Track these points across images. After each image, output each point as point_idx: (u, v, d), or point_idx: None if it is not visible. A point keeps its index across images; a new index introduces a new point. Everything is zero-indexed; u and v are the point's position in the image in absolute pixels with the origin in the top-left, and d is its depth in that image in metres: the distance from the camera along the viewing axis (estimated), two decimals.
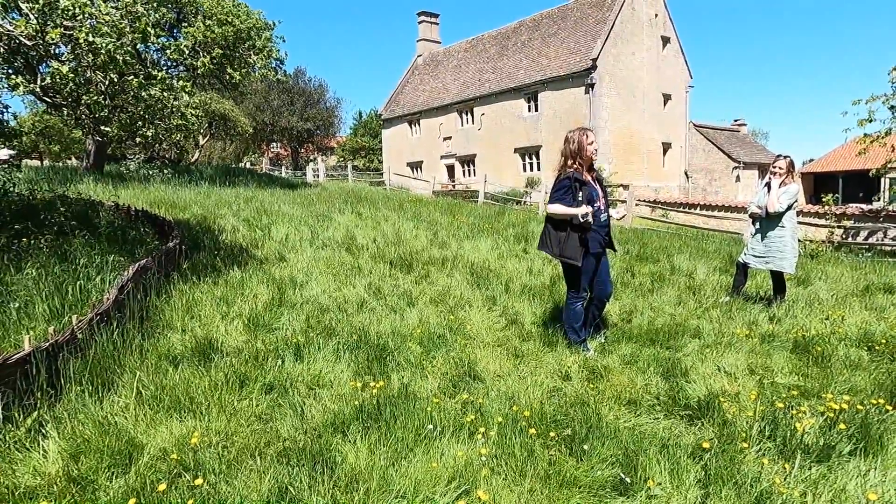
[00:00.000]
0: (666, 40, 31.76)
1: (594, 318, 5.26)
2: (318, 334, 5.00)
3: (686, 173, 33.75)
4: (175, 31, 18.13)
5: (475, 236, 10.69)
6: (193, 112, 6.51)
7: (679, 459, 3.08)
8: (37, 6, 4.88)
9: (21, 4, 5.02)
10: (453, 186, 32.76)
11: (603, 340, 5.22)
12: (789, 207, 6.37)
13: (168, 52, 15.43)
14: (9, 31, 5.12)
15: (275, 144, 53.74)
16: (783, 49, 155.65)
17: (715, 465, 3.01)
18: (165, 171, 17.90)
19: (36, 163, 34.58)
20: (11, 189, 8.20)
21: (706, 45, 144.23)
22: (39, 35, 4.91)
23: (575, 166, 4.78)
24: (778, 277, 6.61)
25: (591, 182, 4.87)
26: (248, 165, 42.09)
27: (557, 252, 4.78)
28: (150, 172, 18.28)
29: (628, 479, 2.93)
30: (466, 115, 35.73)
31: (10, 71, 5.20)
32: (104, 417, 3.36)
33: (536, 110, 31.29)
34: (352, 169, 32.32)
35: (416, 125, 39.79)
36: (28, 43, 5.08)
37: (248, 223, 10.99)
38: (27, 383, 3.38)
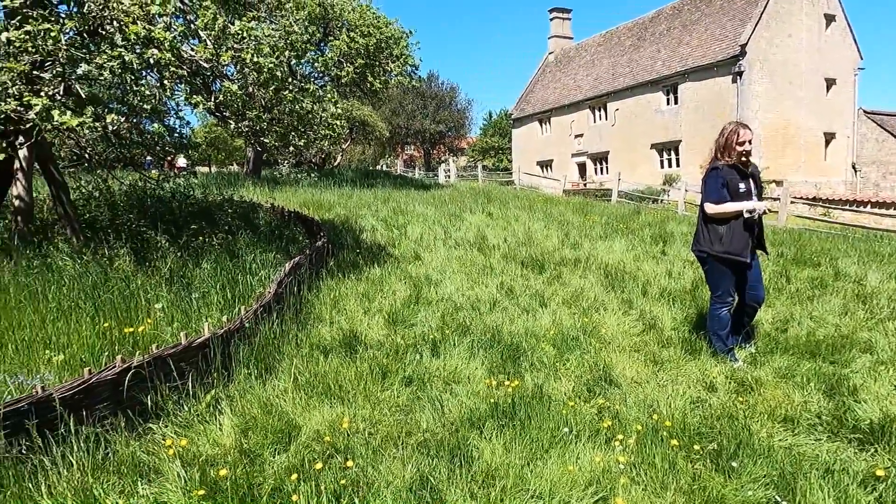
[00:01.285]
0: (830, 18, 28.44)
1: (744, 325, 4.90)
2: (453, 332, 5.15)
3: (854, 167, 30.00)
4: (322, 44, 19.60)
5: (609, 236, 10.37)
6: (339, 122, 7.00)
7: (847, 487, 2.79)
8: (213, 33, 5.55)
9: (200, 32, 5.74)
10: (584, 185, 31.95)
11: (753, 350, 4.84)
12: None
13: (316, 64, 16.74)
14: (191, 55, 5.86)
15: (408, 147, 55.98)
16: None
17: (893, 498, 2.68)
18: (312, 175, 19.40)
19: (205, 169, 39.08)
20: (190, 193, 9.38)
21: (882, 21, 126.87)
22: (215, 58, 5.58)
23: (724, 160, 4.52)
24: None
25: (741, 177, 4.57)
26: (384, 168, 44.28)
27: (720, 250, 4.52)
28: (300, 176, 19.92)
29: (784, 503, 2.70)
30: (599, 111, 34.67)
31: (190, 90, 5.94)
32: (267, 399, 3.74)
33: (676, 103, 29.54)
34: (482, 169, 32.76)
35: (547, 123, 39.32)
36: (205, 65, 5.80)
37: (385, 223, 11.59)
38: (206, 365, 3.87)
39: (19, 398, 2.85)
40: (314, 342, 4.79)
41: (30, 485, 2.67)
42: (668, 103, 30.12)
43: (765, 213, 4.64)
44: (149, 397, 3.39)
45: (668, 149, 30.22)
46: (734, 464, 3.00)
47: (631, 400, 3.86)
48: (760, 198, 4.66)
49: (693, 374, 4.36)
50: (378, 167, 44.46)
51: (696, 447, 3.15)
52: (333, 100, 6.78)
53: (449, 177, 32.44)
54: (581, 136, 35.95)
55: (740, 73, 26.09)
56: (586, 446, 3.19)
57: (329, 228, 9.92)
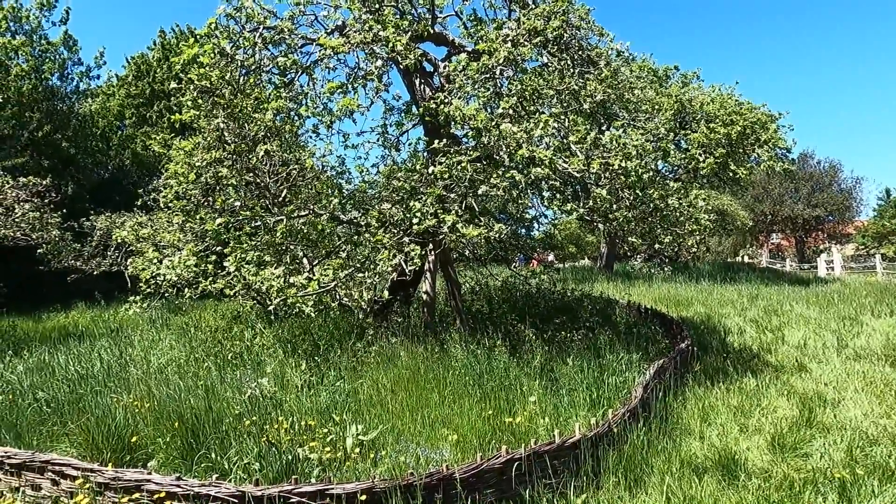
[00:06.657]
0: None
1: None
2: (868, 473, 4.09)
3: None
4: (676, 136, 19.34)
5: None
6: (707, 217, 6.67)
7: None
8: (585, 145, 6.04)
9: (573, 147, 6.30)
10: None
11: None
12: None
13: (670, 158, 16.54)
14: (563, 167, 6.46)
15: (775, 235, 49.70)
16: None
17: None
18: (665, 269, 18.78)
19: (550, 256, 41.73)
20: (553, 287, 10.06)
21: None
22: (586, 168, 6.02)
23: None
24: None
25: None
26: (745, 259, 40.11)
27: None
28: (652, 270, 19.52)
29: None
30: None
31: (563, 199, 6.50)
32: None
33: None
34: (880, 259, 26.60)
35: None
36: (577, 175, 6.29)
37: (755, 324, 10.31)
38: (576, 466, 3.91)
39: (431, 472, 3.34)
40: (684, 458, 4.41)
41: None
42: None
43: None
44: (527, 491, 3.57)
45: None
46: None
47: None
48: None
49: None
50: (738, 258, 40.51)
51: None
52: (704, 195, 6.52)
53: (832, 269, 27.37)
54: None
55: None
56: None
57: (688, 327, 9.30)
